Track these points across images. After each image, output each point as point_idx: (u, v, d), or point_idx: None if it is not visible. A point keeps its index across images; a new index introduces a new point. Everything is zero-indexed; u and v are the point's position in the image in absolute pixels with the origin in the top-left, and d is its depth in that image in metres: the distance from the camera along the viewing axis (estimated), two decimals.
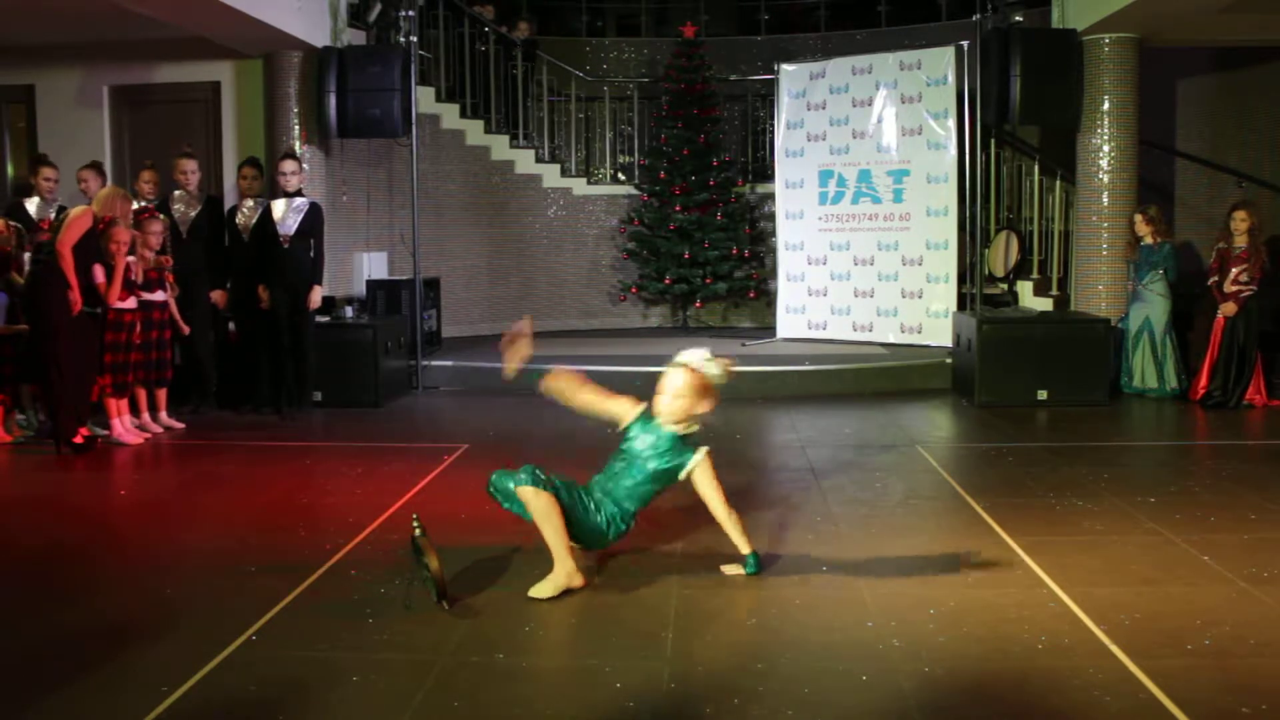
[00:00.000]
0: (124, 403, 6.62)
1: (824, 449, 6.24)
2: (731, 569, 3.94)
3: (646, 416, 4.02)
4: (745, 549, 3.93)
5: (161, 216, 7.13)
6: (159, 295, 6.93)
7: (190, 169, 7.56)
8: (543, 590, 3.67)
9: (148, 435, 6.70)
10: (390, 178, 9.95)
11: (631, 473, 3.95)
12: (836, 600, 3.68)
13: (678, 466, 3.92)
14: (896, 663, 3.13)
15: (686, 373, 3.94)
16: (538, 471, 3.78)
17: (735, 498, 5.00)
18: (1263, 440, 6.62)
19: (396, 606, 3.62)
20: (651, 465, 3.93)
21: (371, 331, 7.87)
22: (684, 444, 3.94)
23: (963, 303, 9.06)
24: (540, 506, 3.75)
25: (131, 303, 6.61)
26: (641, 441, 3.96)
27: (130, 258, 6.70)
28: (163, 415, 6.99)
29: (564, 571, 3.72)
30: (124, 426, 6.56)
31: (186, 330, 7.19)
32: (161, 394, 7.00)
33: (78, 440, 6.21)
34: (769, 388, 8.18)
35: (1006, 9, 8.79)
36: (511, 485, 3.80)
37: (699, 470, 3.92)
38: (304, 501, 5.13)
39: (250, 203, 7.59)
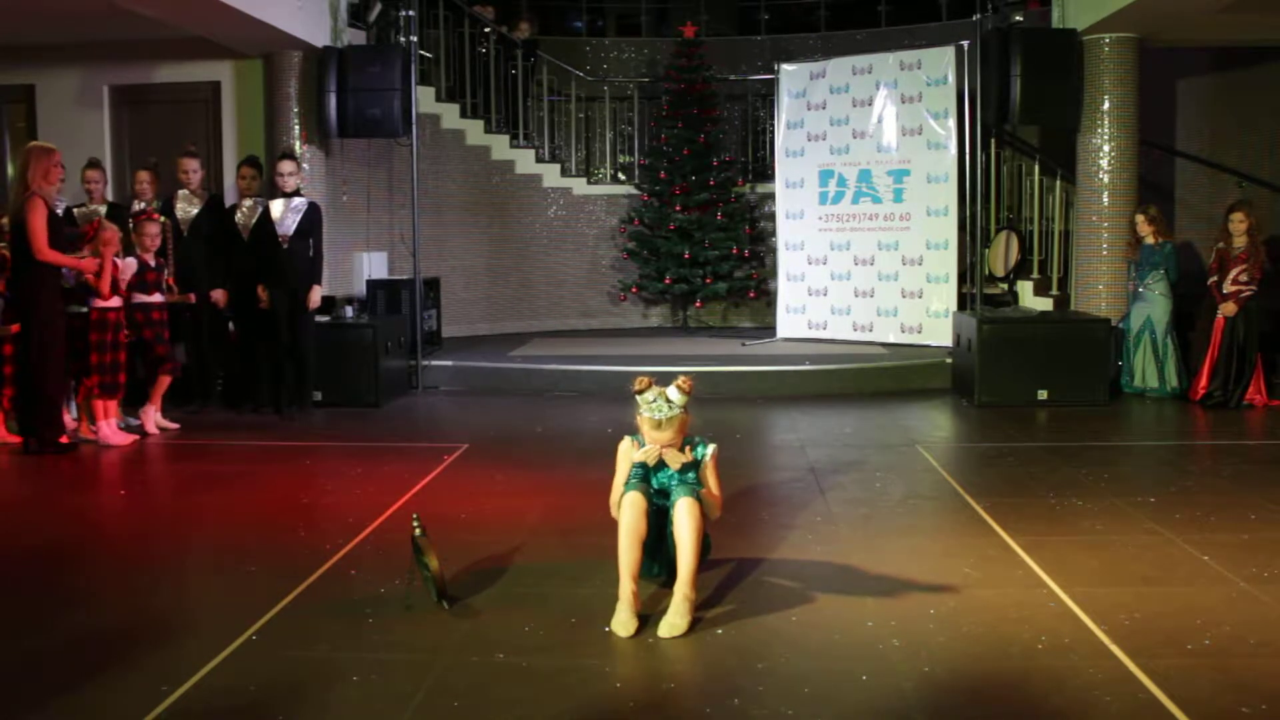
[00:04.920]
0: (112, 404, 6.57)
1: (824, 449, 6.24)
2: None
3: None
4: None
5: (159, 218, 7.12)
6: (156, 297, 6.92)
7: (192, 168, 7.56)
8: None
9: (136, 437, 6.67)
10: (390, 178, 9.96)
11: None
12: (836, 600, 3.67)
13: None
14: (896, 663, 3.13)
15: None
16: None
17: (736, 497, 5.02)
18: (1263, 440, 6.61)
19: (396, 606, 3.62)
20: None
21: (371, 331, 7.87)
22: None
23: (963, 303, 9.06)
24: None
25: (116, 302, 6.57)
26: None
27: (126, 259, 6.69)
28: (157, 416, 6.98)
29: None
30: (110, 429, 6.52)
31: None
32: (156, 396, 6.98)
33: (63, 440, 6.19)
34: (769, 388, 8.18)
35: (1007, 9, 8.79)
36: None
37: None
38: (304, 501, 5.13)
39: (249, 202, 7.58)
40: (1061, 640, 3.28)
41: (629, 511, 3.55)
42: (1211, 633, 3.32)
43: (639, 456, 3.67)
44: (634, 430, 3.74)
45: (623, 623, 3.38)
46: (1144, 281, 7.93)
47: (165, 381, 6.93)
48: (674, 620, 3.38)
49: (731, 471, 5.54)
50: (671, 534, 3.58)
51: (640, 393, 3.65)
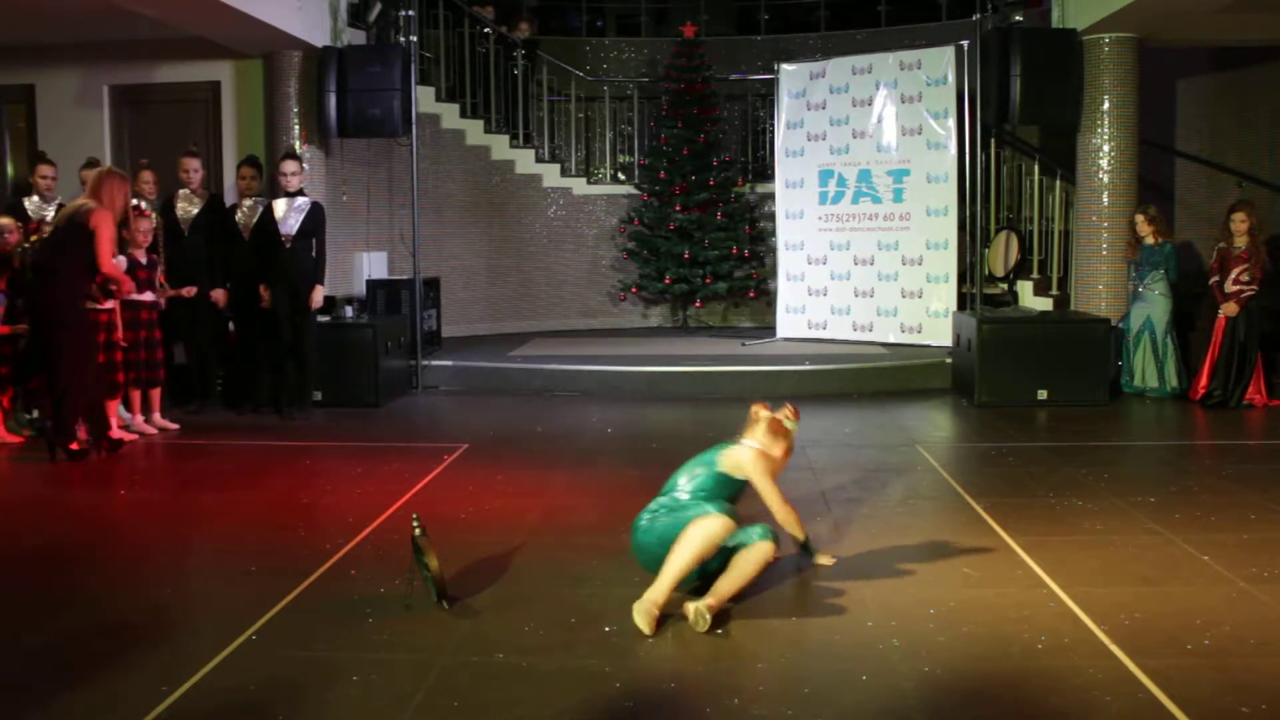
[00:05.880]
0: (110, 404, 6.54)
1: (824, 449, 6.24)
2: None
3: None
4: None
5: (152, 215, 7.11)
6: (147, 295, 6.89)
7: (193, 167, 7.55)
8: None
9: (135, 437, 6.66)
10: (390, 178, 9.95)
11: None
12: (836, 600, 3.68)
13: None
14: (896, 663, 3.13)
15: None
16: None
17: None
18: (1263, 440, 6.62)
19: (396, 606, 3.62)
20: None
21: (371, 331, 7.87)
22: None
23: (963, 303, 9.06)
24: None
25: (110, 303, 6.55)
26: None
27: (118, 256, 6.67)
28: (156, 416, 6.96)
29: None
30: (111, 427, 6.50)
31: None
32: (154, 395, 6.97)
33: (74, 447, 6.11)
34: (769, 388, 8.17)
35: (1006, 9, 8.79)
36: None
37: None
38: (304, 501, 5.13)
39: (249, 202, 7.58)
40: (1061, 640, 3.28)
41: (719, 533, 3.55)
42: (1211, 633, 3.32)
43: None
44: (728, 438, 4.04)
45: (646, 620, 3.37)
46: (1144, 281, 7.93)
47: (141, 392, 6.87)
48: (702, 609, 3.39)
49: None
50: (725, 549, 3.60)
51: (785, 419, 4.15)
